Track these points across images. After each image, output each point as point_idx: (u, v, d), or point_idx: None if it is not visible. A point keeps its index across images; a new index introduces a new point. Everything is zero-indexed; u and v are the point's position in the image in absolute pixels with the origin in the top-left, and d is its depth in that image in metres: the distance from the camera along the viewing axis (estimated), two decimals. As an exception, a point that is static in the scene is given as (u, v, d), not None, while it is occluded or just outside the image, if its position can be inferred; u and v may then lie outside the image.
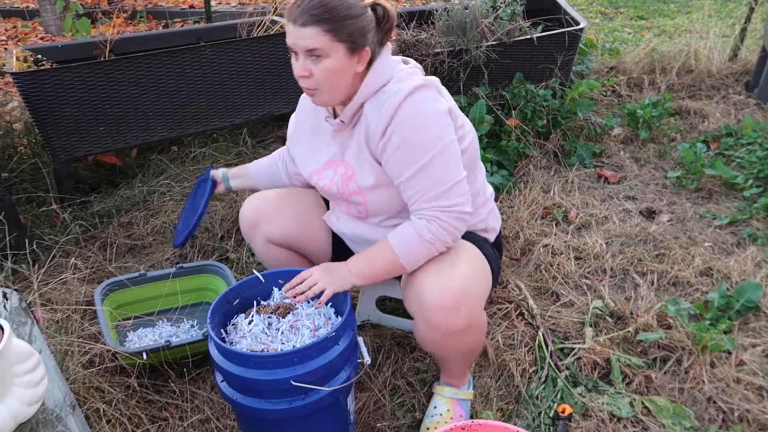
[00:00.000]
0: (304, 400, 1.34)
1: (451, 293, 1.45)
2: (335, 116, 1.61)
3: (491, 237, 1.75)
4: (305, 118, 1.74)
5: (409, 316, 2.02)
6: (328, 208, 1.83)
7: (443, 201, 1.47)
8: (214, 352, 1.40)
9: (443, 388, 1.73)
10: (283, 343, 1.44)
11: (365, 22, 1.47)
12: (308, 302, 1.55)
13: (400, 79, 1.50)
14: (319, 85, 1.48)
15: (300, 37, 1.43)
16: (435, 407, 1.72)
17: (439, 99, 1.52)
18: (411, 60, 1.62)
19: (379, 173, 1.54)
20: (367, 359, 1.44)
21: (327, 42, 1.42)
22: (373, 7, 1.49)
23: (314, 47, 1.43)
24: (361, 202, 1.60)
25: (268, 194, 1.85)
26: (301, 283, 1.54)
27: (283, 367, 1.31)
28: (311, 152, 1.70)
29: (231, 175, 2.00)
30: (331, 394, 1.37)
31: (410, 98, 1.45)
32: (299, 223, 1.80)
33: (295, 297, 1.53)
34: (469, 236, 1.64)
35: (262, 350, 1.41)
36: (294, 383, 1.31)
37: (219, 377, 1.43)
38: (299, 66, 1.47)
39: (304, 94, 1.69)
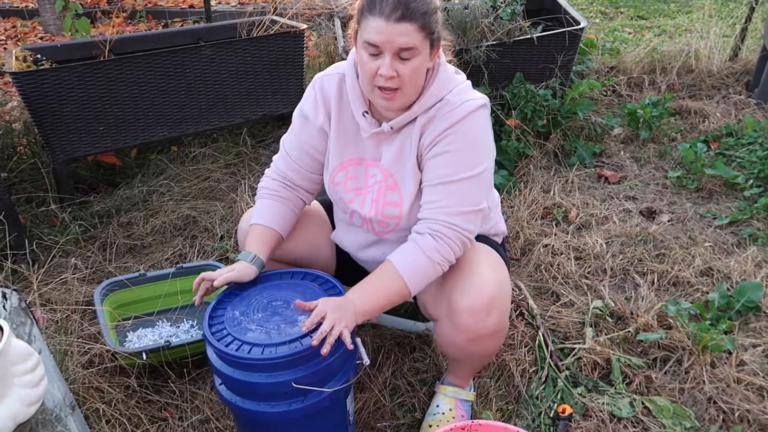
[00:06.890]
0: (304, 402, 1.33)
1: (483, 297, 1.43)
2: (372, 114, 1.49)
3: (500, 240, 1.75)
4: (323, 110, 1.54)
5: (414, 317, 2.03)
6: (332, 223, 1.75)
7: (459, 221, 1.42)
8: (212, 356, 1.39)
9: (447, 387, 1.73)
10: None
11: (440, 10, 1.36)
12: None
13: (461, 91, 1.44)
14: (403, 85, 1.35)
15: (395, 33, 1.27)
16: (438, 405, 1.72)
17: (491, 123, 1.49)
18: (459, 70, 1.53)
19: (418, 180, 1.47)
20: (366, 360, 1.44)
21: (421, 39, 1.30)
22: None
23: (411, 45, 1.30)
24: (396, 215, 1.51)
25: None
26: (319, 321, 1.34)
27: (283, 370, 1.31)
28: (334, 147, 1.55)
29: (258, 254, 1.53)
30: (331, 395, 1.36)
31: (474, 114, 1.41)
32: (305, 245, 1.69)
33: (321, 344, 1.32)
34: (484, 240, 1.63)
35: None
36: (294, 386, 1.31)
37: (217, 380, 1.42)
38: (387, 66, 1.31)
39: (313, 89, 1.55)
